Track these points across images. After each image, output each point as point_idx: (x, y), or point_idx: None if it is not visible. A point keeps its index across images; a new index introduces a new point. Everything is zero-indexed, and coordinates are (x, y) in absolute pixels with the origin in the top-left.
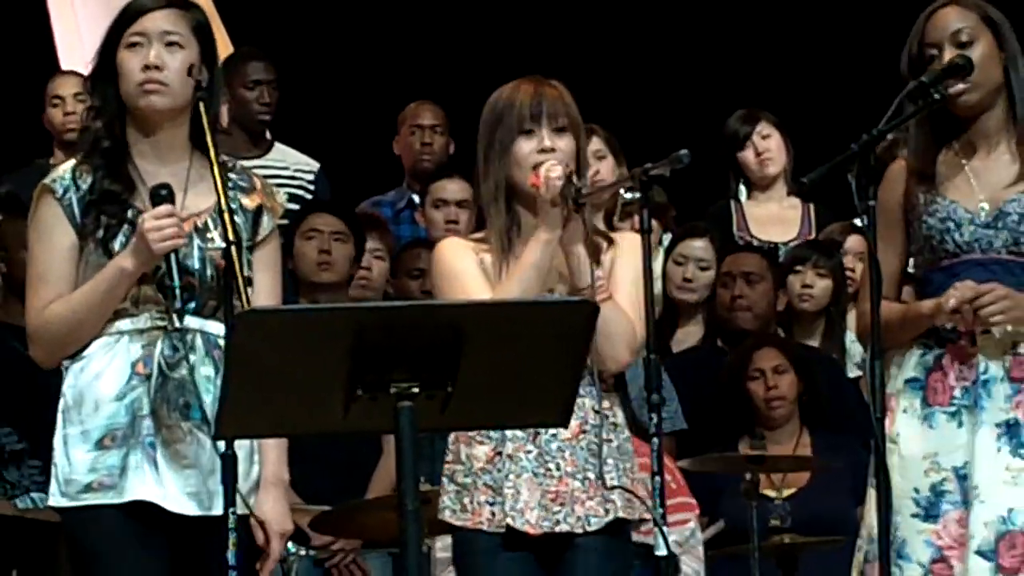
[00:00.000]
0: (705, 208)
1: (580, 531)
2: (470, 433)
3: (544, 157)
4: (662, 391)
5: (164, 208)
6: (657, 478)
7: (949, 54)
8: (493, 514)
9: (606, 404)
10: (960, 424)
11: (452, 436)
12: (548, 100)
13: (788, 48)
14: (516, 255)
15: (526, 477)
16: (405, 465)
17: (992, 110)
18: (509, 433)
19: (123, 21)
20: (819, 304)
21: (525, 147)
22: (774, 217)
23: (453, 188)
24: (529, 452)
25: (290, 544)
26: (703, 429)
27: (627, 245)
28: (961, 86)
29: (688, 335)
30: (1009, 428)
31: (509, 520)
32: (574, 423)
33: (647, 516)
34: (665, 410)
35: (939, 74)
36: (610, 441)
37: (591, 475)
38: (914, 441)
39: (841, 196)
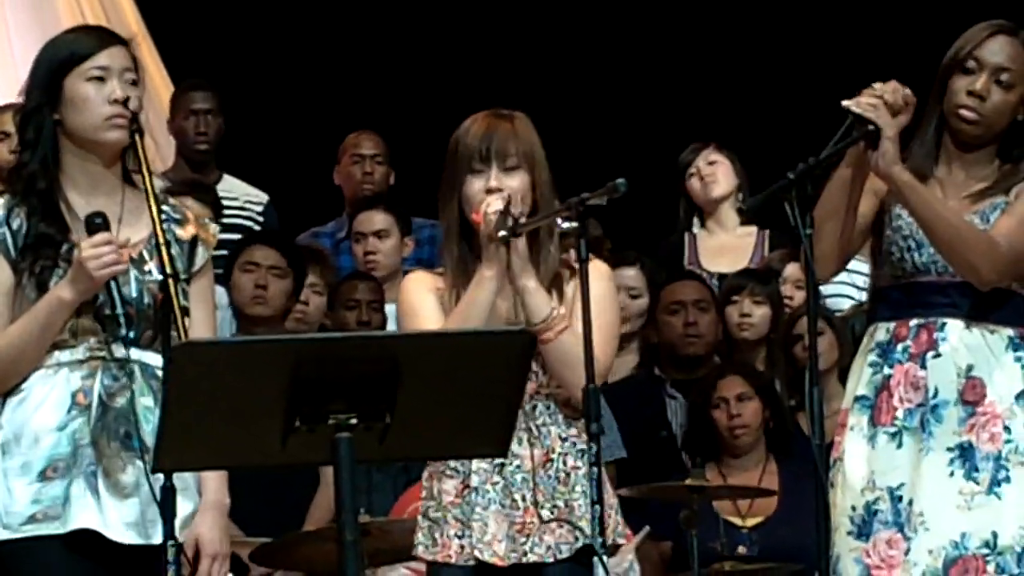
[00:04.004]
0: (650, 242)
1: (550, 559)
2: (439, 468)
3: (490, 197)
4: (601, 420)
5: (101, 236)
6: (597, 507)
7: (983, 79)
8: (462, 547)
9: (573, 431)
10: (900, 445)
11: (426, 473)
12: (498, 138)
13: (737, 80)
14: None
15: (493, 509)
16: (344, 497)
17: (985, 148)
18: (475, 466)
19: (76, 55)
20: (759, 332)
21: (474, 185)
22: (726, 247)
23: (371, 220)
24: (496, 484)
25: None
26: (642, 458)
27: (591, 273)
28: (972, 115)
29: (623, 364)
30: (963, 451)
31: (477, 553)
32: (539, 452)
33: (621, 541)
34: (604, 439)
35: (859, 118)
36: (578, 468)
37: (561, 503)
38: (857, 460)
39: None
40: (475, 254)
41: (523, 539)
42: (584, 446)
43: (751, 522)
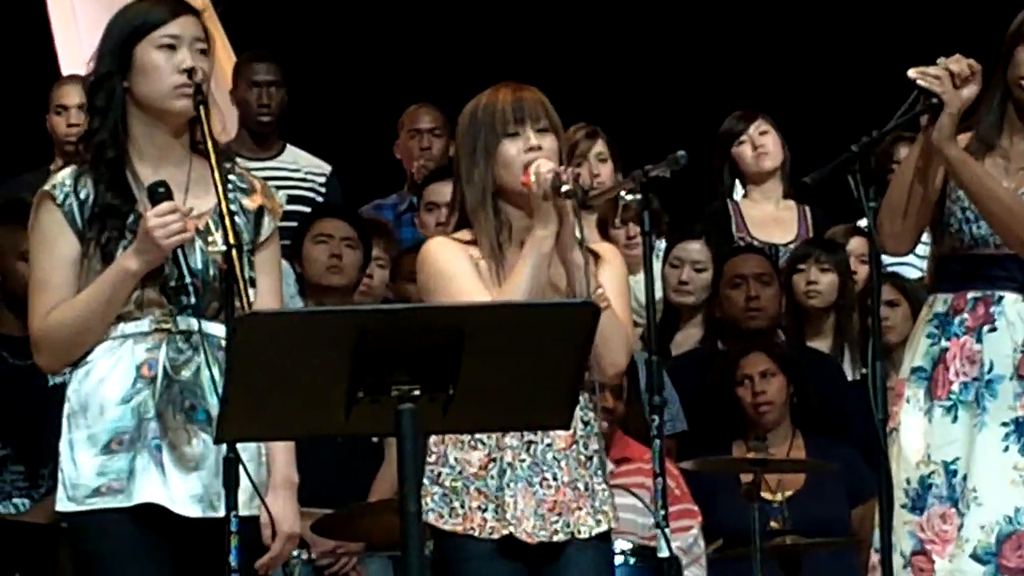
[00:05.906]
0: (696, 211)
1: (568, 539)
2: (462, 437)
3: (532, 156)
4: (663, 393)
5: (166, 205)
6: (659, 479)
7: None
8: (485, 520)
9: (591, 415)
10: (955, 419)
11: (435, 436)
12: (528, 103)
13: (784, 50)
14: (508, 257)
15: (521, 486)
16: (407, 468)
17: None
18: (506, 441)
19: (148, 23)
20: (827, 300)
21: (512, 148)
22: (771, 218)
23: (445, 191)
24: (523, 461)
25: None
26: (703, 430)
27: (609, 256)
28: None
29: (688, 337)
30: (1018, 426)
31: (511, 529)
32: (567, 433)
33: (615, 525)
34: (667, 411)
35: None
36: (597, 450)
37: (581, 485)
38: (913, 433)
39: (838, 199)
40: (503, 220)
41: (555, 517)
42: (598, 430)
43: (782, 496)
